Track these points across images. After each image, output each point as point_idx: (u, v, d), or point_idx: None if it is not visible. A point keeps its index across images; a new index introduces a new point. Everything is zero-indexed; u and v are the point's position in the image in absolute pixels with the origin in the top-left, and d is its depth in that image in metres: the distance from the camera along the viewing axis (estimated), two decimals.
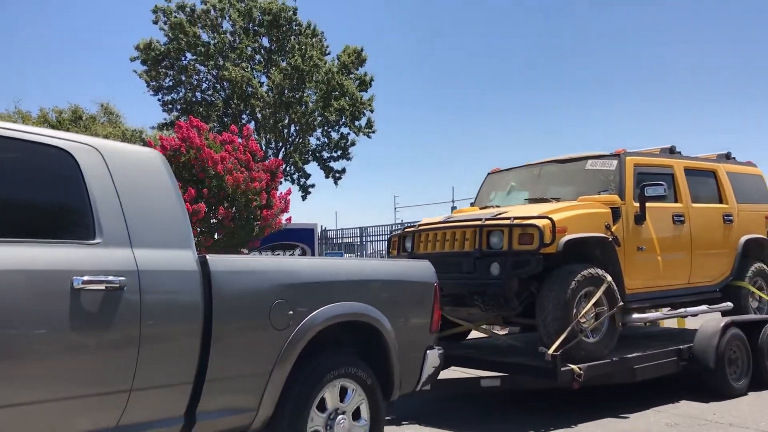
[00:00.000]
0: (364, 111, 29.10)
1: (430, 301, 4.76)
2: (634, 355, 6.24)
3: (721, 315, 7.58)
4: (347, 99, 27.97)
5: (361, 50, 29.17)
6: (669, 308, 7.73)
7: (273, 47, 28.56)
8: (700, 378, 6.72)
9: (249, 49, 28.10)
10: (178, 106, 28.49)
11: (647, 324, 8.64)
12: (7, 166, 2.98)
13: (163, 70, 27.93)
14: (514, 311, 6.16)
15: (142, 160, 3.52)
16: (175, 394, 3.23)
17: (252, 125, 26.99)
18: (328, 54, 29.11)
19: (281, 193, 14.33)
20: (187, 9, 27.29)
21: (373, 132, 29.94)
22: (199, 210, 12.16)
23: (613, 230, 6.30)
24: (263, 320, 3.61)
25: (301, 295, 3.85)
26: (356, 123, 29.29)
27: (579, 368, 5.60)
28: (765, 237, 8.25)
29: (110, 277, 2.99)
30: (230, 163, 12.83)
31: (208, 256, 3.48)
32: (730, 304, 7.57)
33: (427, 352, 4.71)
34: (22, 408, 2.73)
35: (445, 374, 6.42)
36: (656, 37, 60.29)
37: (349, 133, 29.76)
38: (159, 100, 28.70)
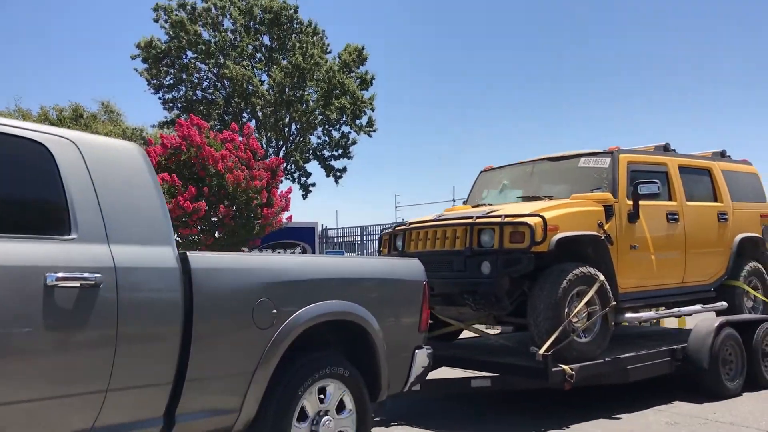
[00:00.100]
0: (365, 110, 29.33)
1: (419, 299, 4.71)
2: (627, 355, 6.20)
3: (715, 314, 7.55)
4: (348, 97, 28.18)
5: (362, 49, 29.36)
6: (663, 308, 7.69)
7: (274, 45, 28.78)
8: (693, 378, 6.68)
9: (250, 47, 28.33)
10: (179, 105, 28.71)
11: (641, 323, 8.62)
12: None
13: (164, 69, 28.14)
14: (505, 310, 6.12)
15: (120, 153, 3.45)
16: (153, 394, 3.17)
17: (253, 124, 27.20)
18: (329, 52, 29.34)
19: (282, 191, 14.51)
20: (188, 7, 27.49)
21: (374, 131, 30.19)
22: (199, 208, 12.38)
23: (605, 228, 6.26)
24: (246, 319, 3.56)
25: (286, 293, 3.79)
26: (357, 122, 29.52)
27: (570, 369, 5.56)
28: (760, 236, 8.22)
29: (86, 274, 2.93)
30: (231, 162, 12.96)
31: (188, 253, 3.42)
32: (724, 303, 7.54)
33: (416, 351, 4.66)
34: None
35: (436, 374, 6.42)
36: (657, 37, 60.40)
37: (349, 132, 30.03)
38: (160, 98, 28.98)
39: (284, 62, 27.75)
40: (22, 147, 3.03)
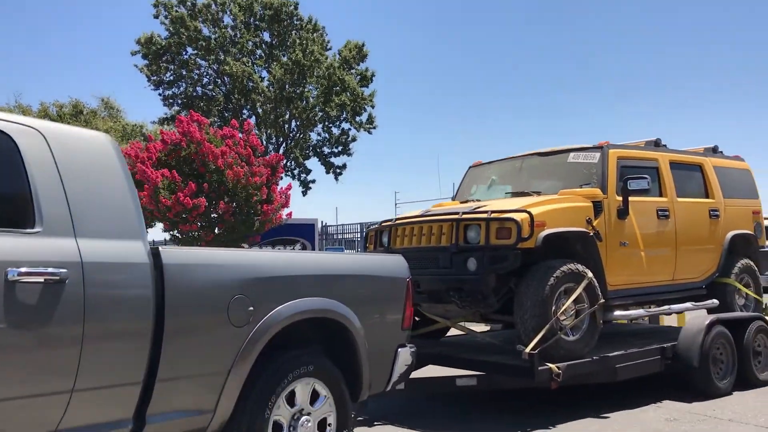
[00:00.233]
0: (365, 106, 29.54)
1: (402, 297, 4.66)
2: (616, 354, 6.18)
3: (706, 312, 7.53)
4: (348, 94, 28.44)
5: (363, 45, 29.56)
6: (654, 305, 7.68)
7: (274, 42, 28.98)
8: (683, 377, 6.67)
9: (250, 43, 28.55)
10: (179, 101, 28.93)
11: (632, 321, 8.61)
12: None
13: (164, 65, 28.34)
14: (492, 308, 6.08)
15: (90, 144, 3.37)
16: (122, 395, 3.11)
17: (253, 120, 27.44)
18: (330, 49, 29.56)
19: (282, 188, 14.63)
20: (188, 3, 27.64)
21: (374, 128, 30.39)
22: (199, 204, 12.47)
23: (594, 225, 6.23)
24: (221, 316, 3.49)
25: (263, 290, 3.73)
26: (357, 118, 29.71)
27: (557, 367, 5.53)
28: (752, 233, 8.22)
29: (50, 269, 2.86)
30: (231, 158, 13.04)
31: (160, 248, 3.37)
32: (715, 301, 7.54)
33: (399, 350, 4.61)
34: None
35: (422, 373, 6.40)
36: (655, 34, 60.61)
37: (349, 129, 30.29)
38: (160, 94, 29.20)
39: (284, 59, 27.94)
40: None
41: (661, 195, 7.19)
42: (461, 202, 7.37)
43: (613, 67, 61.94)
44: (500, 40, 64.16)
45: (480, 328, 8.14)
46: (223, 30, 27.78)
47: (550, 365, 5.52)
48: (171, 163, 13.26)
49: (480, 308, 6.16)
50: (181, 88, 29.10)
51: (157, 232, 22.65)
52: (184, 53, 28.18)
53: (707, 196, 7.82)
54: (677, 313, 7.73)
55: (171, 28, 27.40)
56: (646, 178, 6.41)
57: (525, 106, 65.07)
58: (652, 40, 61.13)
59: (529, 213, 5.72)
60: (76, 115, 26.87)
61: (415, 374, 6.20)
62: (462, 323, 6.96)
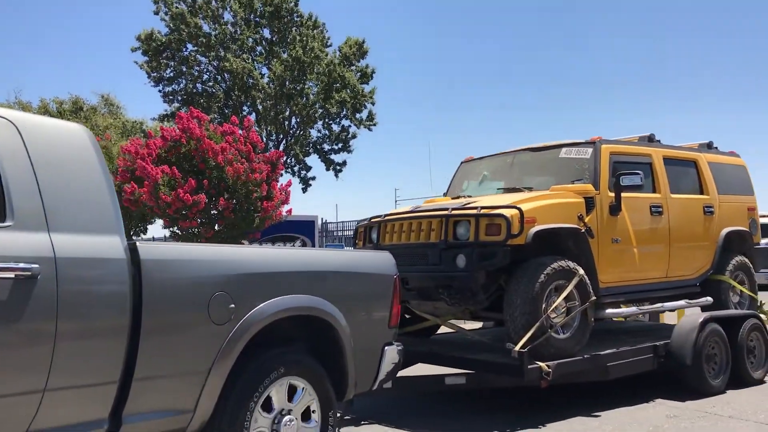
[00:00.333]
0: (366, 103, 29.80)
1: (389, 294, 4.63)
2: (607, 352, 6.16)
3: (701, 310, 7.53)
4: (348, 91, 28.68)
5: (363, 42, 29.80)
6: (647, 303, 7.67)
7: (274, 38, 29.21)
8: (676, 375, 6.66)
9: (250, 40, 28.80)
10: (179, 98, 29.16)
11: (626, 319, 8.61)
12: None
13: (164, 61, 28.60)
14: (481, 305, 6.06)
15: (65, 135, 3.32)
16: (97, 394, 3.07)
17: (253, 117, 27.63)
18: (330, 46, 29.82)
19: (282, 184, 14.75)
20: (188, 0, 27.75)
21: (374, 125, 30.64)
22: (199, 201, 12.56)
23: (586, 221, 6.21)
24: (201, 314, 3.46)
25: (245, 286, 3.70)
26: (357, 115, 29.98)
27: (547, 366, 5.51)
28: (747, 229, 8.21)
29: (21, 264, 2.82)
30: (231, 155, 13.13)
31: (138, 243, 3.32)
32: (709, 298, 7.53)
33: (385, 348, 4.58)
34: None
35: (411, 371, 6.37)
36: (653, 31, 60.74)
37: (350, 126, 30.54)
38: (160, 91, 29.47)
39: (284, 55, 28.16)
40: None
41: (654, 191, 7.17)
42: (453, 198, 7.34)
43: (614, 63, 61.98)
44: (500, 36, 64.42)
45: (471, 325, 8.13)
46: (223, 26, 27.98)
47: (540, 364, 5.50)
48: (171, 160, 13.32)
49: (469, 305, 6.14)
50: (182, 85, 29.39)
51: (157, 229, 22.80)
52: (184, 50, 28.42)
53: (702, 193, 7.81)
54: (670, 310, 7.72)
55: (171, 25, 27.60)
56: (638, 173, 6.39)
57: (526, 102, 65.34)
58: (650, 35, 61.28)
59: (518, 209, 5.69)
60: (76, 111, 26.97)
61: (404, 372, 6.21)
62: (452, 321, 6.94)
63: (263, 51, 29.47)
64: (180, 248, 3.73)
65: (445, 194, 8.15)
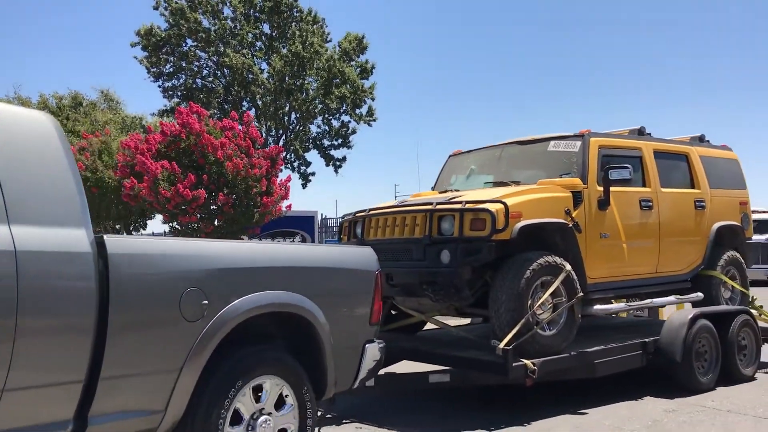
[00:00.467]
0: (365, 99, 30.07)
1: (371, 290, 4.59)
2: (595, 349, 6.15)
3: (691, 306, 7.52)
4: (348, 87, 28.94)
5: (363, 37, 30.00)
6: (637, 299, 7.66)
7: (274, 34, 29.48)
8: (666, 372, 6.65)
9: (250, 35, 29.06)
10: (179, 93, 29.44)
11: (619, 315, 8.61)
12: None
13: (164, 57, 28.88)
14: (466, 301, 6.02)
15: (28, 124, 3.24)
16: (61, 394, 3.01)
17: (252, 112, 27.84)
18: (330, 41, 30.05)
19: (281, 180, 14.90)
20: None
21: (374, 120, 30.92)
22: (198, 196, 12.72)
23: (573, 216, 6.18)
24: (172, 310, 3.41)
25: (219, 282, 3.65)
26: (357, 111, 30.26)
27: (533, 363, 5.48)
28: (739, 224, 8.20)
29: None
30: (230, 150, 13.28)
31: (105, 237, 3.26)
32: (700, 294, 7.52)
33: (366, 346, 4.54)
34: None
35: (396, 368, 6.35)
36: (649, 27, 60.84)
37: (349, 121, 30.81)
38: (159, 86, 29.83)
39: (284, 51, 28.37)
40: None
41: (644, 185, 7.14)
42: (440, 192, 7.30)
43: (608, 56, 62.06)
44: (503, 31, 64.31)
45: (458, 322, 8.09)
46: (222, 22, 28.18)
47: (525, 361, 5.47)
48: (170, 155, 13.43)
49: (454, 302, 6.09)
50: (181, 80, 29.64)
51: (157, 224, 22.88)
52: (183, 45, 28.70)
53: (693, 187, 7.78)
54: (660, 306, 7.71)
55: (171, 20, 27.80)
56: (627, 167, 6.36)
57: (528, 99, 65.29)
58: (645, 27, 61.33)
59: (504, 204, 5.65)
60: (75, 107, 27.00)
61: (389, 369, 6.18)
62: (437, 317, 6.90)
63: (263, 46, 29.71)
64: (150, 242, 3.66)
65: (433, 188, 8.11)
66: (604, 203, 6.46)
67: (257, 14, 29.12)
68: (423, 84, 63.60)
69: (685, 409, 5.96)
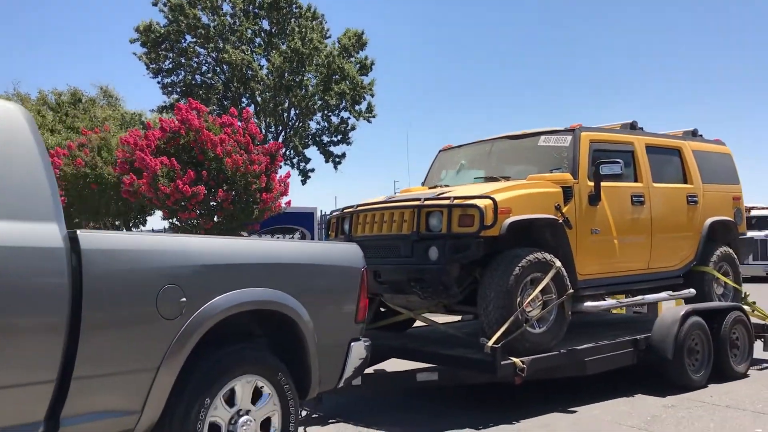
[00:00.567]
0: (365, 95, 30.06)
1: (356, 287, 4.53)
2: (585, 346, 6.10)
3: (684, 302, 7.48)
4: (348, 83, 28.96)
5: (362, 33, 30.02)
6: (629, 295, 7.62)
7: (273, 30, 29.46)
8: (657, 369, 6.62)
9: (249, 31, 29.03)
10: (178, 89, 29.45)
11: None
12: None
13: (163, 53, 28.84)
14: (455, 299, 5.96)
15: None
16: (32, 395, 2.94)
17: (252, 108, 27.85)
18: (329, 37, 30.02)
19: (281, 176, 14.89)
20: None
21: (374, 116, 30.92)
22: (198, 192, 12.69)
23: (564, 211, 6.14)
24: (148, 308, 3.34)
25: (198, 279, 3.58)
26: (356, 107, 30.24)
27: (522, 361, 5.43)
28: (732, 219, 8.17)
29: None
30: (229, 146, 13.28)
31: (79, 232, 3.19)
32: (692, 290, 7.49)
33: (352, 344, 4.49)
34: None
35: (384, 366, 6.30)
36: (640, 17, 60.91)
37: (349, 118, 30.79)
38: (159, 82, 29.81)
39: (283, 47, 28.37)
40: None
41: (636, 180, 7.10)
42: (430, 188, 7.24)
43: (602, 50, 62.18)
44: (503, 27, 64.32)
45: (449, 319, 8.04)
46: (222, 18, 28.17)
47: (514, 359, 5.42)
48: (170, 151, 13.42)
49: (442, 299, 6.04)
50: (180, 76, 29.65)
51: (156, 220, 22.82)
52: (183, 41, 28.65)
53: (685, 182, 7.75)
54: (651, 303, 7.67)
55: (170, 16, 27.75)
56: (618, 162, 6.32)
57: (528, 94, 65.33)
58: (636, 22, 61.47)
59: (492, 199, 5.60)
60: (74, 103, 27.08)
61: (378, 367, 6.14)
62: (426, 314, 6.84)
63: (262, 42, 29.72)
64: (125, 237, 3.58)
65: (423, 183, 8.05)
66: (594, 199, 6.42)
67: (256, 10, 29.09)
68: (423, 80, 63.67)
69: (684, 405, 5.99)
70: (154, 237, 3.73)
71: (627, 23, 62.47)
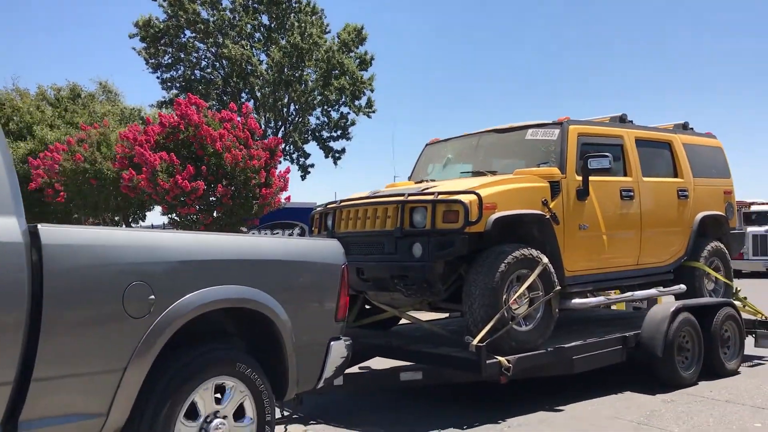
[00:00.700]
0: (365, 90, 30.16)
1: (336, 285, 4.44)
2: (572, 344, 6.02)
3: (674, 298, 7.41)
4: (347, 78, 29.06)
5: (362, 28, 30.07)
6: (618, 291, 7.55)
7: (272, 25, 29.50)
8: (647, 367, 6.55)
9: (248, 26, 29.07)
10: (178, 84, 29.53)
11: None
12: None
13: (162, 48, 28.91)
14: (439, 296, 5.86)
15: None
16: None
17: (251, 104, 27.85)
18: (329, 32, 30.05)
19: (280, 171, 15.07)
20: None
21: (374, 112, 31.06)
22: (197, 187, 12.87)
23: (551, 206, 6.05)
24: (114, 306, 3.23)
25: (167, 276, 3.47)
26: (356, 102, 30.39)
27: (507, 360, 5.34)
28: (723, 214, 8.10)
29: None
30: (229, 141, 13.43)
31: (40, 226, 3.07)
32: (683, 286, 7.42)
33: (332, 343, 4.39)
34: None
35: (371, 365, 6.22)
36: (632, 9, 61.01)
37: (348, 113, 30.91)
38: (158, 77, 29.91)
39: (283, 42, 28.42)
40: None
41: (625, 174, 7.02)
42: (416, 183, 7.15)
43: (597, 44, 62.30)
44: (503, 22, 64.22)
45: (437, 315, 7.95)
46: (221, 13, 28.22)
47: (500, 358, 5.33)
48: (169, 146, 13.53)
49: (426, 297, 5.96)
50: (180, 72, 29.73)
51: (156, 215, 22.80)
52: (182, 36, 28.75)
53: (676, 176, 7.68)
54: (641, 299, 7.60)
55: (169, 11, 27.81)
56: (607, 156, 6.23)
57: (528, 91, 65.35)
58: (625, 12, 61.59)
59: (477, 195, 5.50)
60: (73, 98, 26.97)
61: (363, 365, 6.05)
62: (411, 312, 6.74)
63: (261, 37, 29.74)
64: (90, 232, 3.43)
65: (409, 178, 7.95)
66: (583, 193, 6.34)
67: (256, 5, 29.13)
68: (423, 75, 63.53)
69: (683, 400, 5.99)
70: (122, 232, 3.61)
71: (619, 13, 62.54)
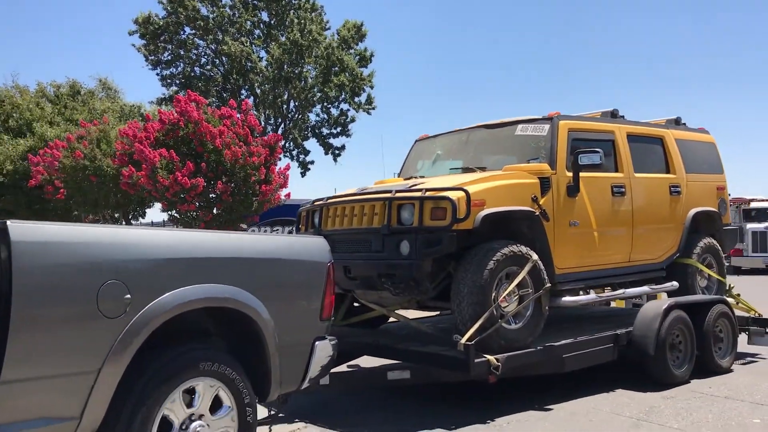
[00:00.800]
0: (364, 87, 30.29)
1: (321, 283, 4.36)
2: (563, 342, 5.95)
3: (666, 296, 7.35)
4: (347, 75, 29.22)
5: (361, 25, 30.15)
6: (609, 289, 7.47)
7: (272, 22, 29.69)
8: (639, 365, 6.48)
9: (248, 23, 29.27)
10: (177, 81, 29.75)
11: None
12: None
13: (162, 45, 29.10)
14: (427, 295, 5.79)
15: None
16: None
17: (251, 100, 27.97)
18: (328, 29, 30.19)
19: (280, 168, 15.22)
20: None
21: (373, 108, 31.19)
22: (197, 184, 12.99)
23: (541, 203, 5.97)
24: (88, 305, 3.14)
25: (144, 275, 3.39)
26: (356, 99, 30.51)
27: (496, 359, 5.27)
28: (716, 210, 8.04)
29: None
30: (228, 138, 13.52)
31: (9, 222, 2.97)
32: (675, 283, 7.36)
33: (316, 343, 4.31)
34: None
35: (359, 364, 6.16)
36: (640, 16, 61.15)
37: (348, 110, 31.08)
38: (158, 74, 30.12)
39: (282, 38, 28.56)
40: None
41: (616, 170, 6.95)
42: (405, 179, 7.06)
43: (593, 40, 62.30)
44: (503, 19, 64.23)
45: (427, 313, 7.86)
46: (221, 9, 28.35)
47: (488, 357, 5.25)
48: (169, 143, 13.61)
49: (414, 295, 5.87)
50: (179, 68, 29.88)
51: (156, 212, 22.79)
52: (182, 33, 28.90)
53: (668, 171, 7.61)
54: (632, 297, 7.53)
55: (169, 8, 27.92)
56: (598, 152, 6.15)
57: (527, 89, 65.33)
58: (618, 7, 61.66)
59: (465, 191, 5.42)
60: (73, 95, 26.86)
61: (351, 363, 5.97)
62: (399, 311, 6.66)
63: (261, 34, 29.87)
64: (63, 229, 3.32)
65: (399, 174, 7.87)
66: (573, 190, 6.26)
67: (255, 2, 29.23)
68: (423, 72, 63.48)
69: (683, 396, 6.02)
70: (98, 229, 3.49)
71: (615, 10, 62.60)
